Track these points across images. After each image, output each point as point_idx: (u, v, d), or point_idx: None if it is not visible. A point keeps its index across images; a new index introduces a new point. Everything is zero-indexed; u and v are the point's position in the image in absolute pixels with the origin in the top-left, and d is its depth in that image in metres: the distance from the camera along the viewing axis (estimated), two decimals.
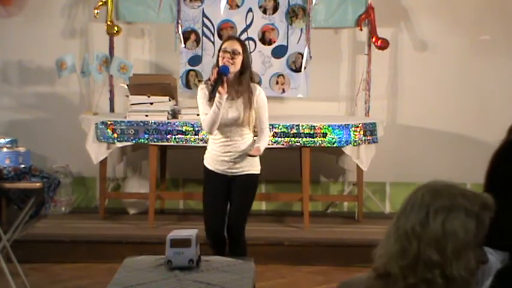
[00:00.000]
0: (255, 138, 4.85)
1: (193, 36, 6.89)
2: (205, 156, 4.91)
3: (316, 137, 6.27)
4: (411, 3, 7.05)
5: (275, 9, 6.87)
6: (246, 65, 4.73)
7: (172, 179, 7.22)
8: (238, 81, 4.72)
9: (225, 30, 6.85)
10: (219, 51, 4.76)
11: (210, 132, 4.75)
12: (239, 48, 4.70)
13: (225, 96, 4.63)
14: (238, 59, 4.68)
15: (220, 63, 4.67)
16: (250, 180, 4.84)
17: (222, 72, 4.63)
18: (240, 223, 4.87)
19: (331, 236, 6.20)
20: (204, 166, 4.88)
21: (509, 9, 7.06)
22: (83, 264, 5.90)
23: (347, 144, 6.34)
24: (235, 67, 4.68)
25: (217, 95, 4.60)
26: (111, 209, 6.84)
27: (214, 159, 4.82)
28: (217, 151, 4.80)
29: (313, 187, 6.85)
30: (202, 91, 4.78)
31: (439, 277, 1.90)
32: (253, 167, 4.82)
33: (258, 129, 4.86)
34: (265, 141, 4.87)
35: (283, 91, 6.91)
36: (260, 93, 4.79)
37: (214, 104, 4.62)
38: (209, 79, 4.80)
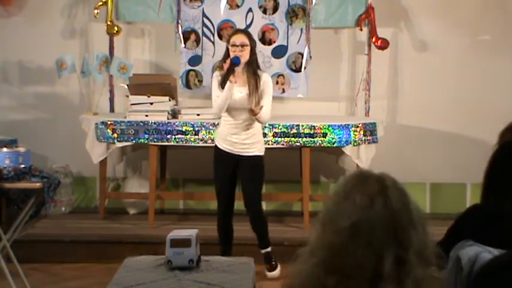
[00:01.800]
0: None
1: (193, 36, 6.89)
2: (216, 136, 5.46)
3: (316, 137, 6.28)
4: (411, 3, 7.05)
5: (275, 9, 6.87)
6: (253, 54, 5.21)
7: (172, 179, 7.21)
8: (247, 69, 5.19)
9: (225, 30, 6.84)
10: (227, 42, 5.25)
11: (219, 113, 5.23)
12: (246, 41, 5.18)
13: (235, 84, 5.09)
14: (247, 50, 5.16)
15: (232, 55, 5.12)
16: (257, 160, 5.28)
17: (234, 63, 5.11)
18: (255, 200, 5.34)
19: None
20: (215, 145, 5.35)
21: (509, 9, 7.06)
22: (83, 264, 5.89)
23: (347, 144, 6.33)
24: (244, 58, 5.15)
25: (228, 83, 5.04)
26: (111, 209, 6.83)
27: (224, 138, 5.26)
28: (227, 131, 5.21)
29: (313, 187, 6.84)
30: (217, 78, 5.23)
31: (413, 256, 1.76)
32: (258, 149, 5.28)
33: None
34: (266, 111, 5.17)
35: (283, 91, 6.91)
36: (266, 79, 5.26)
37: (225, 90, 5.09)
38: (223, 67, 5.23)
